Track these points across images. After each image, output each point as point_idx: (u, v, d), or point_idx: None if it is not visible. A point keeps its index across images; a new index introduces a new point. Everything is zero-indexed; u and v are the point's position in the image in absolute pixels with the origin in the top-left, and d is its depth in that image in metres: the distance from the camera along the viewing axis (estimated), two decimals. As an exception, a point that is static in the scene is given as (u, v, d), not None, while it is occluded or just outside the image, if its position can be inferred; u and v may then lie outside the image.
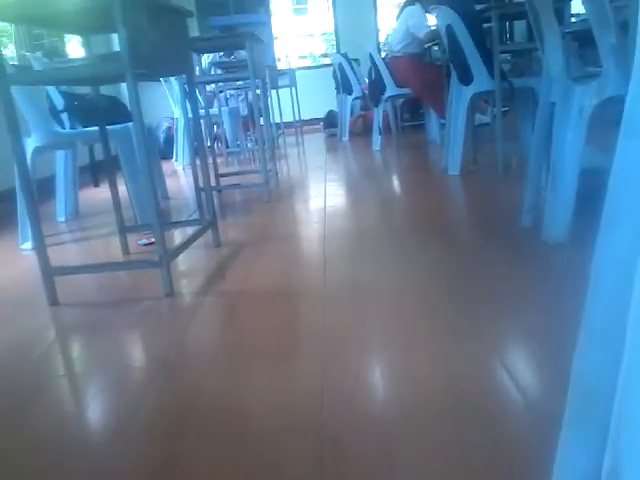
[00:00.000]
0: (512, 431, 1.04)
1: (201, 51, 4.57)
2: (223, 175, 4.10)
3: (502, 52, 3.68)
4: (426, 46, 5.33)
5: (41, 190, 2.03)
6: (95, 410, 1.31)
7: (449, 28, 3.67)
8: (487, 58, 3.50)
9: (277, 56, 9.60)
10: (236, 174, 4.46)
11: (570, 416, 0.74)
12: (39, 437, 1.20)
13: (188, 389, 1.34)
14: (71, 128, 3.48)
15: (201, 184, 2.69)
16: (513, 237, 2.26)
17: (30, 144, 2.94)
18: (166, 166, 5.42)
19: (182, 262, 2.40)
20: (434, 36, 4.78)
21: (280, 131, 7.12)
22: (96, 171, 5.26)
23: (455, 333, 1.44)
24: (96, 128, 2.60)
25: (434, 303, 1.65)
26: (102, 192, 4.64)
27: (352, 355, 1.39)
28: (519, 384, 1.17)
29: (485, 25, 3.71)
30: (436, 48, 5.25)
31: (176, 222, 3.14)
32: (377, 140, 5.62)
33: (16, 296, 2.20)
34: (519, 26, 6.66)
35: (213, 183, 3.72)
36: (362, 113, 7.46)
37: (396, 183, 3.92)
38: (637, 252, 0.55)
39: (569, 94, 2.07)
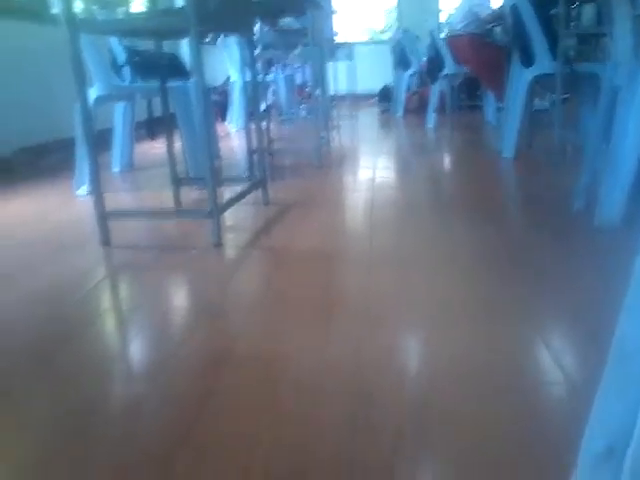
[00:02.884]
0: (550, 406, 1.04)
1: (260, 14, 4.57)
2: (275, 140, 4.13)
3: (568, 36, 3.58)
4: (488, 27, 5.21)
5: (98, 141, 2.09)
6: (138, 345, 1.37)
7: (514, 8, 3.58)
8: (551, 41, 3.41)
9: (336, 29, 9.52)
10: (288, 140, 4.49)
11: (609, 372, 0.75)
12: (82, 367, 1.26)
13: (229, 333, 1.38)
14: (131, 82, 3.56)
15: (254, 146, 2.73)
16: (564, 220, 2.22)
17: (92, 93, 3.02)
18: (219, 129, 5.49)
19: (231, 217, 2.46)
20: (497, 16, 4.67)
21: (334, 103, 7.10)
22: (153, 126, 5.38)
23: (496, 310, 1.44)
24: (156, 83, 2.65)
25: (477, 279, 1.66)
26: (157, 147, 4.75)
27: (392, 319, 1.41)
28: (560, 362, 1.17)
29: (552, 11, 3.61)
30: (498, 29, 5.13)
31: (227, 179, 3.19)
32: (431, 118, 5.55)
33: (70, 237, 2.29)
34: (587, 9, 6.43)
35: (265, 145, 3.76)
36: (418, 90, 7.36)
37: (448, 161, 3.88)
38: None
39: (635, 78, 2.01)
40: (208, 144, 2.00)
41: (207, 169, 1.97)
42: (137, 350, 1.34)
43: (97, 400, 1.11)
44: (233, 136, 5.71)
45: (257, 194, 2.60)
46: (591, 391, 0.82)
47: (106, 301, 1.65)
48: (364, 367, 1.17)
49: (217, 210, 1.99)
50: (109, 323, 1.50)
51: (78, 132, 2.97)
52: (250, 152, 3.33)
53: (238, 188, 2.39)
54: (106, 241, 2.07)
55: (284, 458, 0.90)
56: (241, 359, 1.24)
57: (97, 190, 2.06)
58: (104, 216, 2.08)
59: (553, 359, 1.17)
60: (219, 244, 2.01)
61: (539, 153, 3.74)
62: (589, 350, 1.20)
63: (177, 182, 2.66)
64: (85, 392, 1.14)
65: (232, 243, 2.10)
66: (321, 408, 1.04)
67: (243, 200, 2.36)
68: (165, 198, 2.71)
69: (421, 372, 1.15)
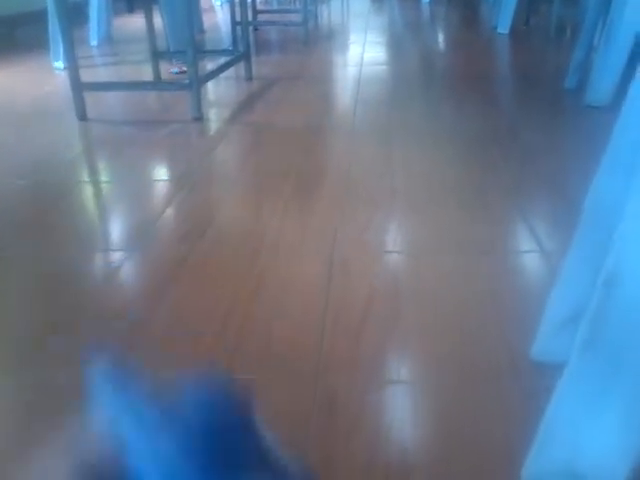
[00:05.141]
0: (523, 269, 1.06)
1: None
2: (261, 12, 3.92)
3: None
4: None
5: (74, 13, 1.96)
6: (118, 214, 1.36)
7: None
8: None
9: None
10: (275, 12, 4.26)
11: (577, 240, 0.76)
12: (61, 236, 1.26)
13: (208, 202, 1.37)
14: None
15: (238, 18, 2.58)
16: (556, 98, 2.17)
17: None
18: (202, 1, 5.19)
19: (213, 91, 2.38)
20: None
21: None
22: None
23: (480, 185, 1.44)
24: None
25: (462, 155, 1.63)
26: (136, 20, 4.50)
27: (370, 194, 1.40)
28: (536, 233, 1.18)
29: None
30: None
31: (209, 51, 3.05)
32: (427, -8, 5.27)
33: (47, 110, 2.22)
34: None
35: (250, 18, 3.57)
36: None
37: (441, 37, 3.73)
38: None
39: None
40: (189, 12, 1.89)
41: (187, 38, 1.88)
42: (116, 219, 1.34)
43: (77, 263, 1.12)
44: (218, 9, 5.42)
45: (241, 70, 2.50)
46: (562, 259, 0.83)
47: (83, 174, 1.62)
48: (340, 240, 1.17)
49: (197, 82, 1.91)
50: (86, 194, 1.49)
51: (50, 3, 2.79)
52: (234, 24, 3.17)
53: (222, 61, 2.29)
54: (82, 116, 2.01)
55: (259, 322, 0.92)
56: (219, 229, 1.24)
57: (71, 61, 1.96)
58: (79, 88, 2.00)
59: (530, 230, 1.18)
60: (199, 118, 1.95)
61: (535, 30, 3.59)
62: (567, 223, 1.21)
63: (157, 56, 2.55)
64: (64, 256, 1.15)
65: (213, 117, 2.05)
66: (297, 276, 1.05)
67: (226, 75, 2.27)
68: (144, 72, 2.59)
69: (398, 244, 1.16)
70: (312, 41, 3.48)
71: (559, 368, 0.59)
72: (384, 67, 2.78)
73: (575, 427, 0.61)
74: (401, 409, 0.75)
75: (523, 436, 0.63)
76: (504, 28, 3.49)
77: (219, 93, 2.39)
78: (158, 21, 2.76)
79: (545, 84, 2.38)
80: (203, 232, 1.22)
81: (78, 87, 2.00)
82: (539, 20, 3.74)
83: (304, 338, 0.87)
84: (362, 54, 3.06)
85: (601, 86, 1.98)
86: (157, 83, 2.46)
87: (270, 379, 0.79)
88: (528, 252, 1.12)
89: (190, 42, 1.87)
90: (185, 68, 2.08)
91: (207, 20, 4.38)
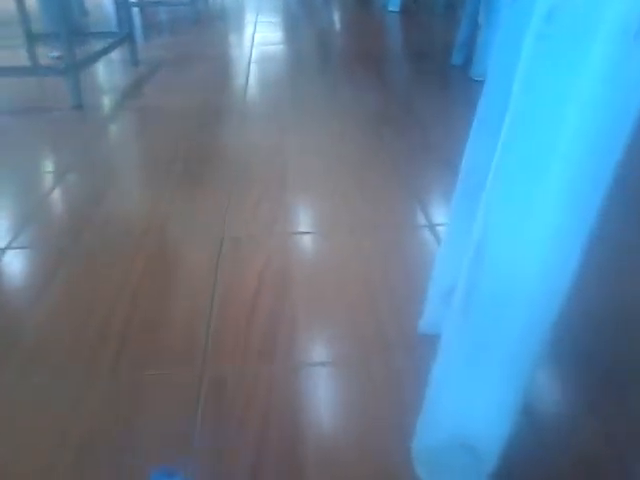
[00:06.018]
0: (412, 243, 1.07)
1: None
2: (147, -7, 3.76)
3: None
4: None
5: None
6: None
7: None
8: None
9: None
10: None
11: (453, 214, 0.77)
12: None
13: (92, 193, 1.30)
14: None
15: (120, -3, 2.46)
16: (444, 73, 2.22)
17: None
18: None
19: (97, 76, 2.25)
20: None
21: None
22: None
23: (372, 163, 1.44)
24: None
25: (356, 133, 1.63)
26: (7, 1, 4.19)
27: (261, 174, 1.37)
28: (430, 217, 1.20)
29: None
30: None
31: (90, 33, 2.89)
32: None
33: None
34: None
35: None
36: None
37: (334, 15, 3.72)
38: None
39: None
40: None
41: (59, 19, 1.76)
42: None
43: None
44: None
45: (126, 54, 2.39)
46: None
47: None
48: (229, 221, 1.14)
49: (75, 66, 1.80)
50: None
51: None
52: (118, 6, 3.01)
53: (105, 44, 2.17)
54: (-51, 105, 1.85)
55: (146, 308, 0.88)
56: (104, 219, 1.17)
57: None
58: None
59: (420, 205, 1.19)
60: (80, 106, 1.84)
61: (425, 7, 3.66)
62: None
63: (32, 39, 2.38)
64: None
65: (97, 103, 1.94)
66: (185, 258, 1.01)
67: (111, 58, 2.16)
68: (20, 58, 2.42)
69: (288, 223, 1.15)
70: (203, 21, 3.38)
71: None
72: (278, 47, 2.74)
73: (457, 396, 0.61)
74: (293, 390, 0.73)
75: (415, 409, 0.63)
76: (395, 6, 3.53)
77: (104, 78, 2.27)
78: (33, 2, 2.58)
79: (434, 60, 2.43)
80: (86, 223, 1.15)
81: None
82: (429, -3, 3.82)
83: (192, 322, 0.84)
84: (254, 34, 3.01)
85: (484, 61, 2.04)
86: (29, 68, 2.29)
87: (157, 368, 0.75)
88: (418, 227, 1.13)
89: (63, 24, 1.75)
90: (64, 52, 1.95)
91: (91, 1, 4.16)
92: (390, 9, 3.55)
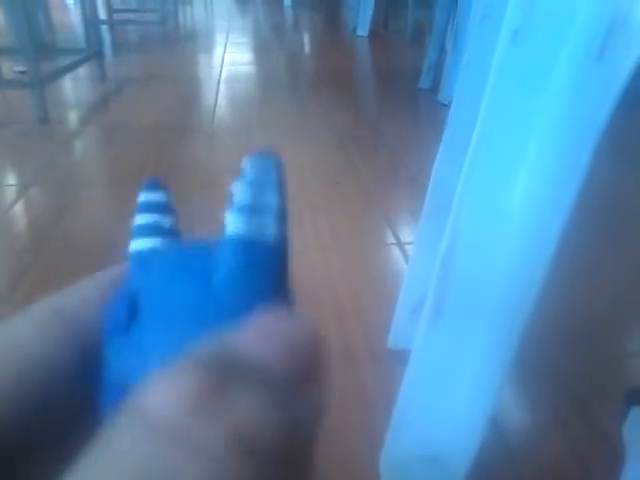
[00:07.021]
0: (380, 259, 1.08)
1: None
2: (118, 10, 3.75)
3: None
4: None
5: None
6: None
7: None
8: None
9: None
10: (132, 11, 4.10)
11: (421, 228, 0.77)
12: None
13: (56, 208, 1.27)
14: None
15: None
16: (412, 96, 2.25)
17: None
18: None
19: (63, 92, 2.22)
20: None
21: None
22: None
23: (342, 186, 1.45)
24: None
25: (326, 153, 1.64)
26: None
27: (228, 190, 1.36)
28: (397, 235, 1.21)
29: None
30: None
31: (57, 49, 2.86)
32: (289, -5, 5.32)
33: None
34: None
35: (105, 17, 3.40)
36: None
37: (304, 38, 3.77)
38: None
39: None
40: (24, 6, 1.75)
41: (25, 35, 1.73)
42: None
43: None
44: (70, 8, 5.11)
45: (95, 70, 2.37)
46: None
47: None
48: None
49: (40, 80, 1.77)
50: None
51: None
52: (86, 22, 2.99)
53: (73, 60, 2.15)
54: None
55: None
56: (65, 235, 1.15)
57: None
58: None
59: (387, 223, 1.20)
60: (45, 120, 1.81)
61: (393, 33, 3.73)
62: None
63: (-3, 52, 2.34)
64: None
65: (63, 118, 1.91)
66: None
67: (79, 75, 2.14)
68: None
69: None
70: (173, 41, 3.38)
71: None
72: (248, 68, 2.76)
73: (426, 409, 0.61)
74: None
75: (382, 422, 0.63)
76: (363, 31, 3.59)
77: (71, 93, 2.24)
78: (-1, 16, 2.55)
79: (402, 84, 2.47)
80: (47, 239, 1.12)
81: None
82: (397, 23, 3.88)
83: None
84: (224, 54, 3.02)
85: (451, 85, 2.09)
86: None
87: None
88: (387, 245, 1.14)
89: (28, 38, 1.73)
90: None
91: (60, 19, 4.12)
92: (359, 33, 3.61)
